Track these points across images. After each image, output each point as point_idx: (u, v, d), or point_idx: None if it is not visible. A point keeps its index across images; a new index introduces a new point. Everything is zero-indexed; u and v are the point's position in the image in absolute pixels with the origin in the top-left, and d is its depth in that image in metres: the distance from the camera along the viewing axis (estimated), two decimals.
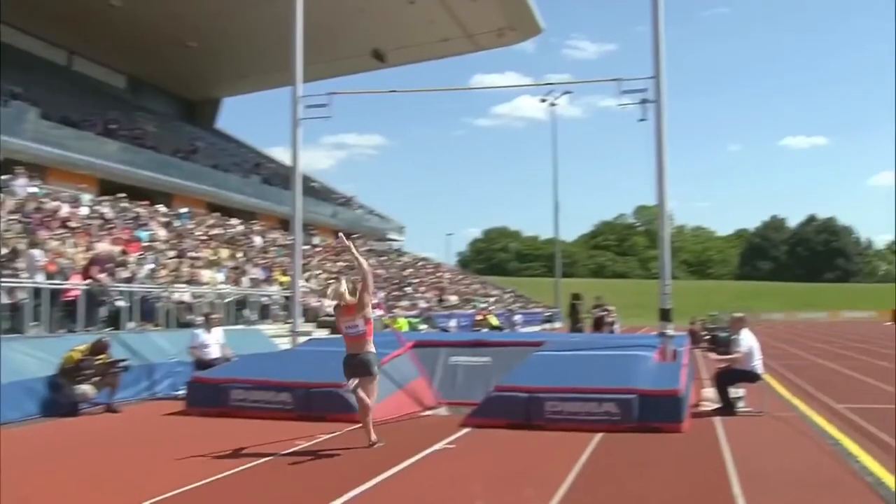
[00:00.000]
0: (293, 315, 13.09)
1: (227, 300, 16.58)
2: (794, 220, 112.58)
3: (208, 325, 11.34)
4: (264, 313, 18.14)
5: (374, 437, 6.82)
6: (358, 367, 6.97)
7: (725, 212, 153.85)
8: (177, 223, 23.26)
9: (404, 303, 27.58)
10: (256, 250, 24.85)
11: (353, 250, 7.29)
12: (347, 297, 6.96)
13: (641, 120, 10.33)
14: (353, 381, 6.91)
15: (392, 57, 41.37)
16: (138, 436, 7.95)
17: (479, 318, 27.88)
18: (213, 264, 18.79)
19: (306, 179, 46.63)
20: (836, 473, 5.83)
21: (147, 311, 13.65)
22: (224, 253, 21.38)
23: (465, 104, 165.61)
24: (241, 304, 17.26)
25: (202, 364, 10.68)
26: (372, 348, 7.13)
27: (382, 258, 39.20)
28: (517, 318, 34.39)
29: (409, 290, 31.17)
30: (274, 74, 39.54)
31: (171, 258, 17.47)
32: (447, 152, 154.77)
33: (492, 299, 43.80)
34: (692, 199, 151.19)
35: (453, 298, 35.77)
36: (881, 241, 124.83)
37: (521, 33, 41.01)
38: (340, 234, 8.48)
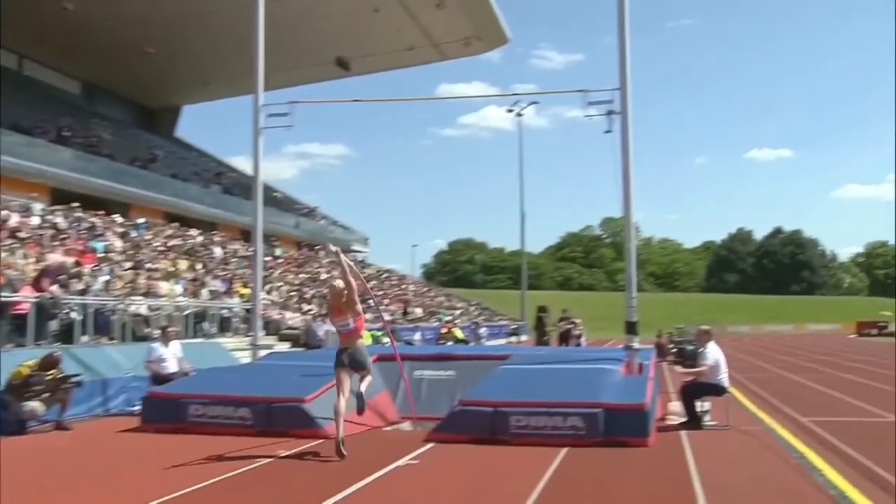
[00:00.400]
0: (254, 328, 12.93)
1: (185, 313, 16.36)
2: (760, 233, 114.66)
3: (165, 338, 11.17)
4: (224, 326, 17.93)
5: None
6: (351, 361, 7.43)
7: (692, 224, 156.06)
8: (134, 234, 22.95)
9: (368, 315, 27.40)
10: (216, 262, 24.58)
11: (342, 260, 7.82)
12: (344, 298, 7.61)
13: (607, 132, 10.46)
14: (342, 372, 7.35)
15: (357, 65, 41.43)
16: (89, 454, 7.77)
17: (443, 331, 27.85)
18: (171, 276, 18.55)
19: (268, 189, 46.50)
20: (801, 487, 5.93)
21: (102, 325, 13.39)
22: (183, 264, 21.12)
23: (431, 114, 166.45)
24: (201, 316, 17.03)
25: (159, 379, 10.50)
26: (363, 342, 7.73)
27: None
28: (482, 330, 34.45)
29: (372, 302, 30.99)
30: (235, 82, 39.30)
31: (127, 270, 17.21)
32: (413, 162, 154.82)
33: (457, 312, 43.84)
34: (659, 211, 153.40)
35: (418, 311, 35.73)
36: (845, 253, 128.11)
37: (487, 43, 41.36)
38: (329, 244, 8.90)
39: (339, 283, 7.74)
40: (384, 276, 43.42)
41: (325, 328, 18.76)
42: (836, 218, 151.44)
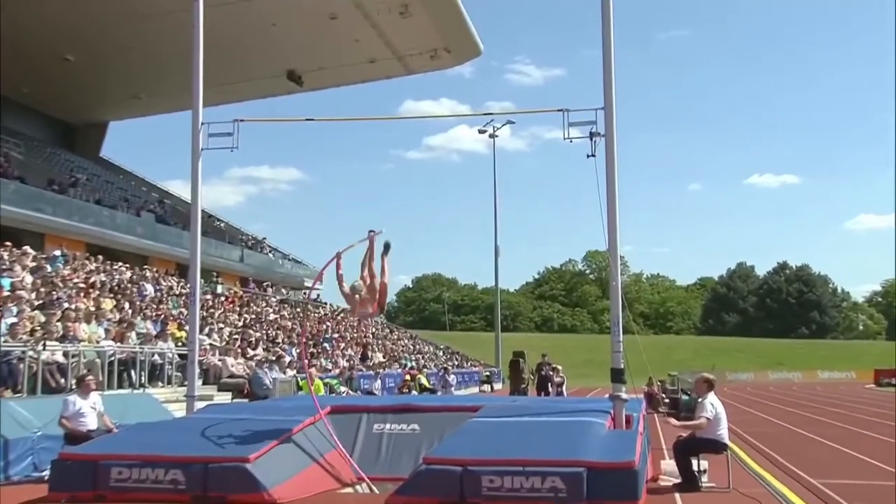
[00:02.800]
0: (190, 376, 12.75)
1: (109, 359, 16.08)
2: (762, 268, 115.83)
3: (84, 389, 10.94)
4: (155, 375, 17.65)
5: None
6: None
7: (686, 258, 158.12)
8: (48, 268, 22.60)
9: (322, 361, 27.25)
10: (147, 300, 24.30)
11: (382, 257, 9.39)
12: (364, 294, 9.15)
13: (591, 155, 10.58)
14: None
15: (310, 80, 41.61)
16: None
17: (407, 378, 27.75)
18: (92, 317, 18.24)
19: (209, 218, 46.31)
20: None
21: (6, 374, 13.07)
22: (107, 303, 20.81)
23: (394, 134, 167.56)
24: (127, 363, 16.77)
25: (76, 437, 10.25)
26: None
27: (297, 309, 38.78)
28: (451, 378, 34.33)
29: (327, 346, 30.85)
30: (171, 96, 39.26)
31: (39, 310, 16.91)
32: (373, 188, 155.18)
33: (423, 357, 43.65)
34: (649, 243, 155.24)
35: (378, 356, 35.55)
36: (859, 292, 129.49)
37: (457, 55, 41.82)
38: (372, 231, 9.72)
39: (360, 283, 9.14)
40: (340, 316, 43.17)
41: (272, 375, 18.56)
42: (849, 252, 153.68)
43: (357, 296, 9.10)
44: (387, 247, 9.60)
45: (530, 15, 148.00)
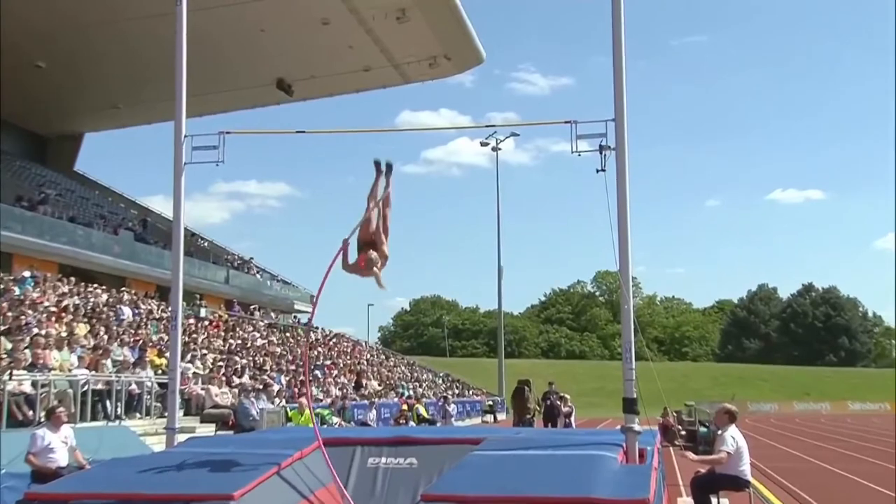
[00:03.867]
0: (170, 407, 12.71)
1: (83, 389, 16.05)
2: (786, 290, 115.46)
3: (54, 422, 10.91)
4: (133, 405, 17.65)
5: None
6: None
7: (703, 280, 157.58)
8: (16, 290, 22.61)
9: (313, 390, 27.20)
10: (125, 325, 24.31)
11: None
12: (376, 258, 8.49)
13: (600, 170, 10.60)
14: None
15: (301, 89, 41.82)
16: None
17: (404, 407, 27.68)
18: (64, 343, 18.22)
19: (192, 237, 46.35)
20: None
21: None
22: (81, 329, 20.82)
23: (390, 147, 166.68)
24: (102, 393, 16.74)
25: (44, 475, 10.21)
26: None
27: (287, 334, 38.75)
28: (452, 408, 34.27)
29: (318, 373, 30.79)
30: (152, 106, 39.47)
31: (5, 335, 16.90)
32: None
33: (421, 385, 43.57)
34: (663, 264, 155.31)
35: (374, 384, 35.47)
36: (892, 316, 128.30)
37: (457, 63, 42.00)
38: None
39: (375, 256, 8.50)
40: (333, 341, 43.12)
41: (259, 405, 18.54)
42: (880, 273, 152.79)
43: (375, 268, 8.68)
44: (389, 167, 9.36)
45: (536, 20, 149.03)
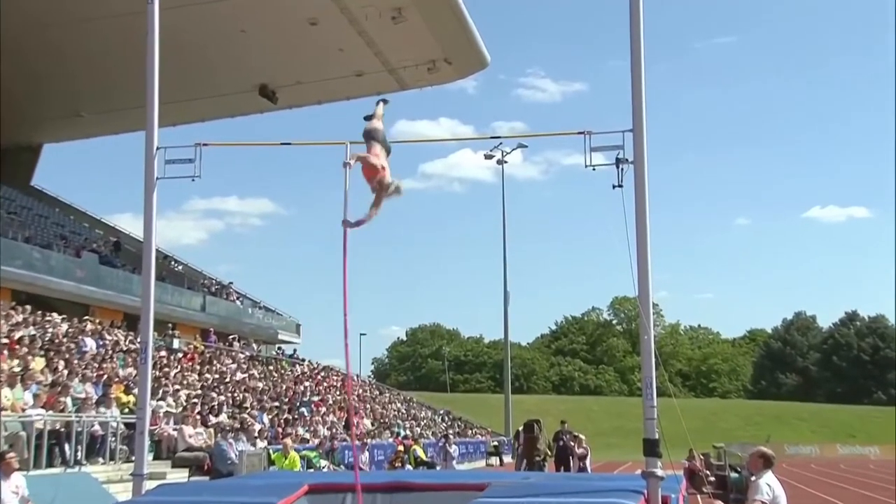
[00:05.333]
0: (138, 451, 12.69)
1: (37, 431, 16.01)
2: (827, 319, 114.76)
3: (4, 469, 10.90)
4: (95, 449, 17.58)
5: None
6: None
7: (733, 306, 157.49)
8: None
9: (299, 430, 27.16)
10: (87, 358, 24.25)
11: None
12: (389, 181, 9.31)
13: (617, 186, 10.64)
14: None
15: (286, 96, 41.93)
16: None
17: (400, 448, 27.64)
18: (17, 379, 18.17)
19: (164, 259, 46.33)
20: None
21: None
22: (37, 363, 20.74)
23: None
24: (60, 436, 16.69)
25: None
26: None
27: (269, 367, 38.69)
28: (453, 449, 34.21)
29: (305, 411, 30.73)
30: (120, 114, 39.53)
31: None
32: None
33: (418, 423, 43.47)
34: (688, 289, 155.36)
35: (366, 423, 35.41)
36: None
37: (459, 68, 42.14)
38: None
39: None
40: (322, 375, 43.04)
41: (238, 447, 18.49)
42: None
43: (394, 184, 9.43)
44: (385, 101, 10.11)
45: (545, 20, 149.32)
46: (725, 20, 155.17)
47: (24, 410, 16.54)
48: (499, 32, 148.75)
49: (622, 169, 10.73)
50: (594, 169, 10.91)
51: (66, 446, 16.64)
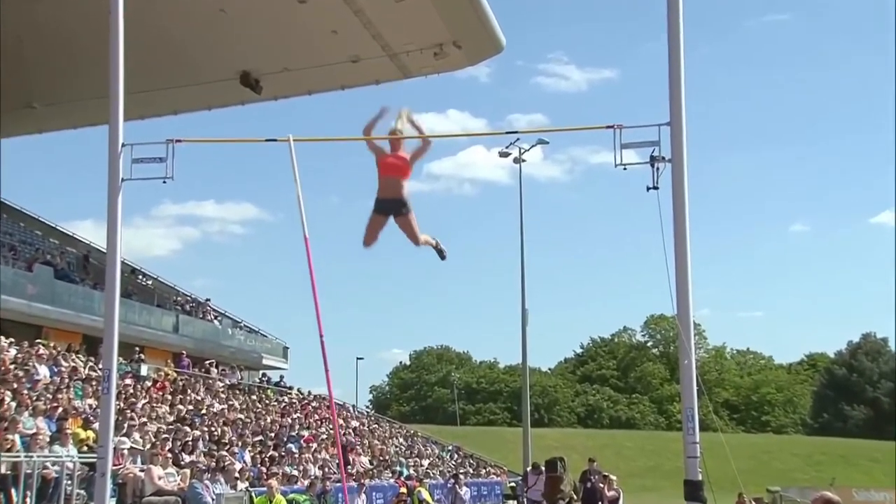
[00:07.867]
0: (98, 495, 12.72)
1: None
2: None
3: None
4: (48, 494, 17.60)
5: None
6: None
7: (788, 327, 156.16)
8: None
9: (286, 469, 27.15)
10: (40, 388, 24.29)
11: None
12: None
13: (652, 188, 10.66)
14: None
15: (271, 85, 41.85)
16: None
17: (403, 491, 27.60)
18: None
19: (131, 273, 46.32)
20: None
21: None
22: None
23: None
24: (7, 479, 16.72)
25: None
26: None
27: (252, 397, 38.69)
28: (464, 491, 34.15)
29: (293, 447, 30.72)
30: (79, 105, 39.51)
31: None
32: (357, 231, 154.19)
33: (424, 462, 43.42)
34: (735, 306, 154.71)
35: (364, 460, 35.36)
36: None
37: (470, 53, 41.91)
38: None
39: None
40: (313, 405, 43.01)
41: (216, 490, 18.51)
42: None
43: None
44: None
45: None
46: None
47: None
48: (516, 12, 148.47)
49: (658, 168, 10.76)
50: (625, 168, 10.94)
51: (13, 491, 16.66)
